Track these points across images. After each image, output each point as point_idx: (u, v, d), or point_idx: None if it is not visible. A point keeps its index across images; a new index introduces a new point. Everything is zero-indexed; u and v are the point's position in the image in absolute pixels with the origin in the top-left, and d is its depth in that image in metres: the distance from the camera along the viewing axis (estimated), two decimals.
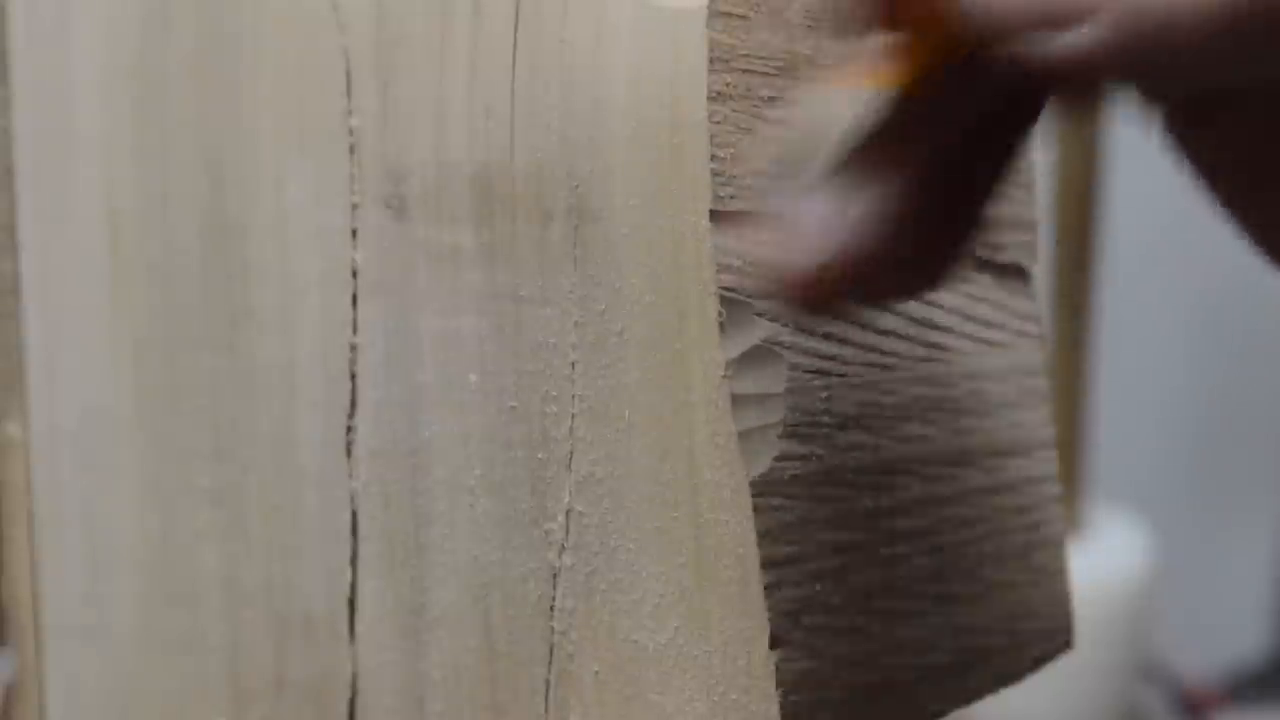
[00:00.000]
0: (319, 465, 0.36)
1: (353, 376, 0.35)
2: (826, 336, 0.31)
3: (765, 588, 0.29)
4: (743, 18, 0.30)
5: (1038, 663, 0.37)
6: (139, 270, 0.38)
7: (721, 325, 0.29)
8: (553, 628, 0.32)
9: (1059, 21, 0.23)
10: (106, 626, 0.40)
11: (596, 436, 0.31)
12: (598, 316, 0.31)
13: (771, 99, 0.30)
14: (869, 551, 0.32)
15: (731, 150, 0.29)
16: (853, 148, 0.26)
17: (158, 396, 0.38)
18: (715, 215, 0.29)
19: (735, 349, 0.29)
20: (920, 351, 0.33)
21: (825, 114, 0.26)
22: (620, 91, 0.30)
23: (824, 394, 0.31)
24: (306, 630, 0.36)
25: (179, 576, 0.39)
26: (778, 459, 0.30)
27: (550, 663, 0.33)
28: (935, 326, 0.34)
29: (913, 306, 0.33)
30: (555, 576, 0.32)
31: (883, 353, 0.32)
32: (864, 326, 0.32)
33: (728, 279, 0.29)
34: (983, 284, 0.36)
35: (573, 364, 0.31)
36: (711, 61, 0.29)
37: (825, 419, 0.31)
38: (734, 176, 0.29)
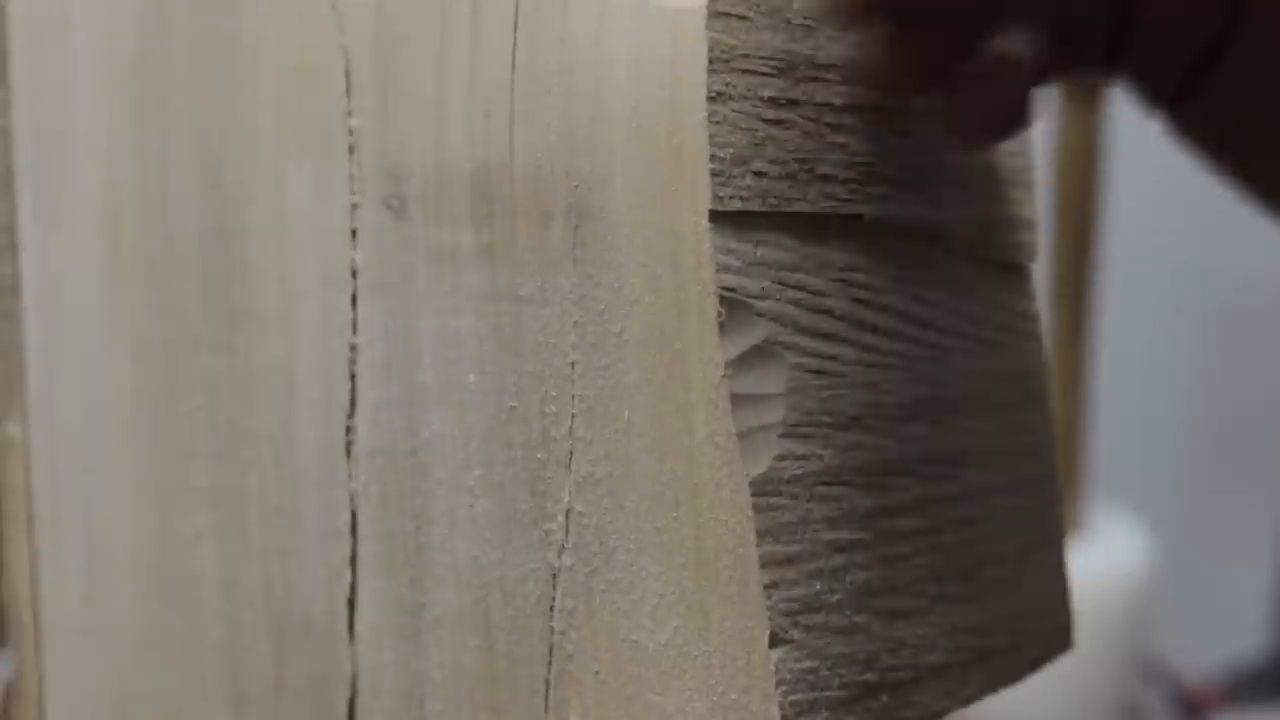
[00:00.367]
0: (318, 465, 0.36)
1: (352, 376, 0.35)
2: (826, 336, 0.31)
3: (765, 587, 0.29)
4: (743, 18, 0.30)
5: (1037, 663, 0.37)
6: (139, 270, 0.38)
7: (721, 325, 0.29)
8: (552, 628, 0.32)
9: None
10: (106, 627, 0.40)
11: (596, 437, 0.31)
12: (597, 317, 0.31)
13: (771, 99, 0.30)
14: (869, 551, 0.32)
15: (731, 150, 0.29)
16: None
17: (157, 396, 0.38)
18: (715, 215, 0.29)
19: (735, 349, 0.29)
20: (920, 351, 0.33)
21: None
22: (620, 91, 0.30)
23: (824, 394, 0.31)
24: (306, 631, 0.36)
25: (178, 577, 0.39)
26: (777, 459, 0.30)
27: (550, 663, 0.33)
28: (935, 326, 0.34)
29: (913, 306, 0.33)
30: (555, 577, 0.32)
31: (883, 353, 0.32)
32: (864, 326, 0.32)
33: (728, 279, 0.29)
34: (982, 284, 0.36)
35: (572, 364, 0.31)
36: (711, 61, 0.29)
37: (825, 419, 0.31)
38: (734, 176, 0.29)
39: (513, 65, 0.32)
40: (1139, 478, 1.20)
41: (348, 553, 0.36)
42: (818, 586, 0.30)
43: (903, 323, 0.33)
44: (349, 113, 0.34)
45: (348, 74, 0.34)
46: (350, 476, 0.35)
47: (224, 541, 0.38)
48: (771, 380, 0.30)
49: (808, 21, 0.31)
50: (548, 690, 0.33)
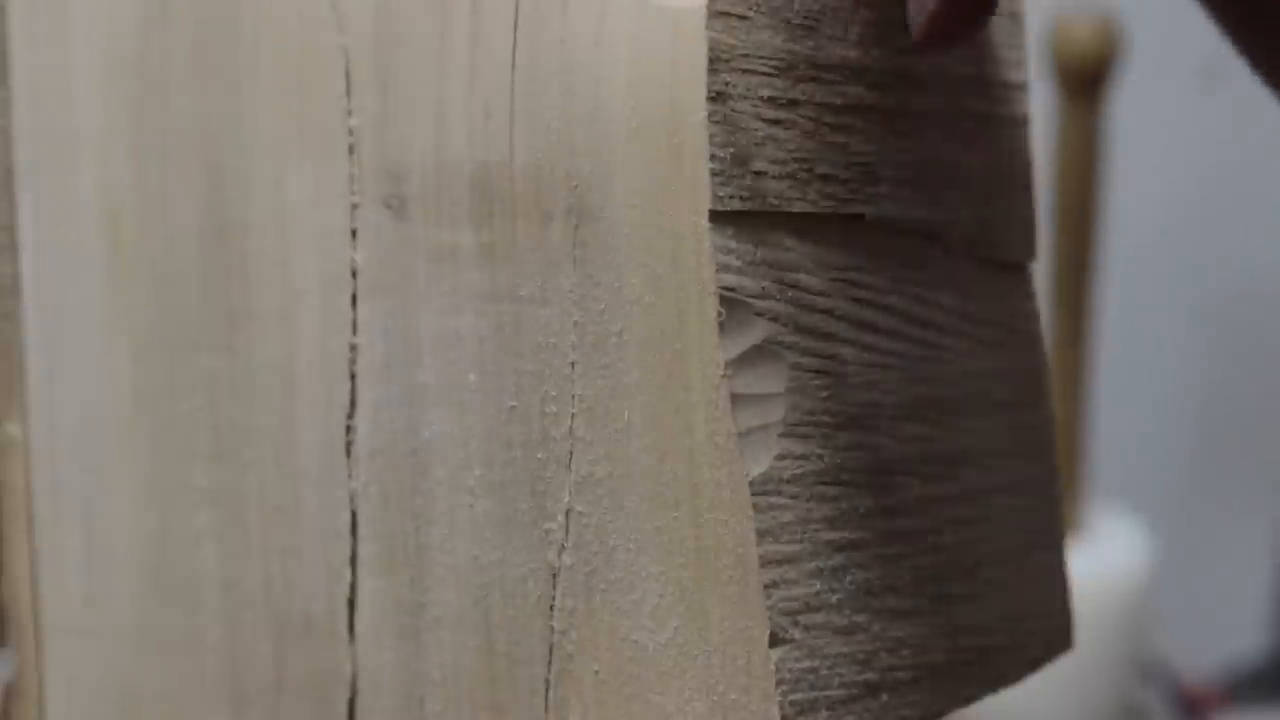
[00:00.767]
0: (318, 465, 0.36)
1: (352, 376, 0.35)
2: (826, 336, 0.31)
3: (765, 587, 0.29)
4: (743, 18, 0.30)
5: (1037, 663, 0.37)
6: (139, 270, 0.38)
7: (721, 325, 0.29)
8: (553, 628, 0.32)
9: None
10: (106, 626, 0.40)
11: (596, 436, 0.31)
12: (597, 316, 0.31)
13: (771, 99, 0.30)
14: (868, 551, 0.32)
15: (731, 150, 0.29)
16: None
17: (157, 397, 0.38)
18: (715, 215, 0.29)
19: (735, 349, 0.29)
20: (920, 351, 0.33)
21: None
22: (620, 91, 0.30)
23: (824, 394, 0.31)
24: (306, 630, 0.36)
25: (178, 576, 0.39)
26: (777, 459, 0.30)
27: (550, 663, 0.33)
28: (935, 326, 0.34)
29: (913, 306, 0.33)
30: (555, 576, 0.32)
31: (883, 353, 0.32)
32: (864, 326, 0.32)
33: (728, 279, 0.29)
34: (982, 283, 0.36)
35: (572, 364, 0.31)
36: (711, 61, 0.29)
37: (825, 419, 0.31)
38: (734, 176, 0.29)
39: (513, 65, 0.32)
40: (1139, 478, 1.20)
41: (348, 552, 0.36)
42: (818, 586, 0.30)
43: (903, 323, 0.33)
44: (349, 112, 0.34)
45: (348, 74, 0.34)
46: (350, 476, 0.35)
47: (224, 541, 0.38)
48: (771, 380, 0.30)
49: (808, 21, 0.31)
50: (548, 690, 0.33)
